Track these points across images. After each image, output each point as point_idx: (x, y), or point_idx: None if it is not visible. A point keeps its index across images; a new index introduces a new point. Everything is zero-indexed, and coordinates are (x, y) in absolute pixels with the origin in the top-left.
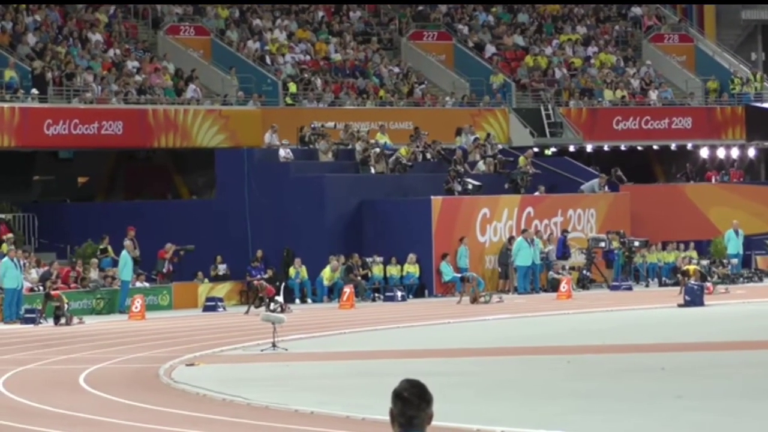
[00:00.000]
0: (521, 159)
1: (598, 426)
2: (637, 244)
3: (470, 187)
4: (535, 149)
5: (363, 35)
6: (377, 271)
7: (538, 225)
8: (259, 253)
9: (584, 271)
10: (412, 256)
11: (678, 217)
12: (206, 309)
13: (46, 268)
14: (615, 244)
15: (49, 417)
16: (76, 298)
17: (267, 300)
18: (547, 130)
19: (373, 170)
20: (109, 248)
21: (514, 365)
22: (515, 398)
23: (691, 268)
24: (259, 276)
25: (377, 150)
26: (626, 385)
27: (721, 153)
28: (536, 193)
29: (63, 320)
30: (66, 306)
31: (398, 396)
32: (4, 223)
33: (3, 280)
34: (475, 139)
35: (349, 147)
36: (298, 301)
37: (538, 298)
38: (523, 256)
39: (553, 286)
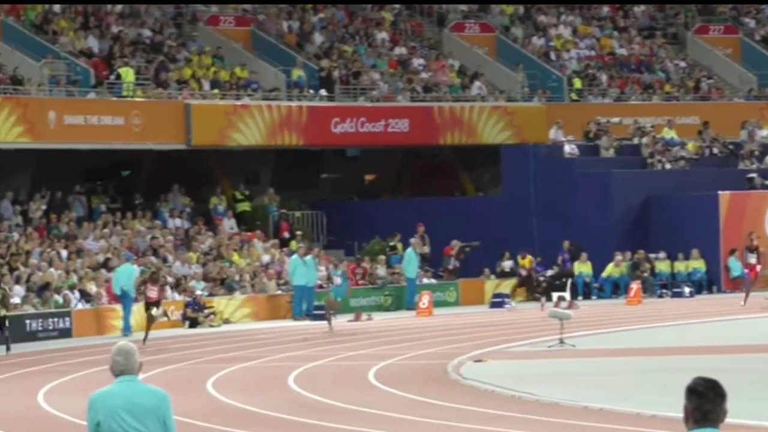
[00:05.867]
0: None
1: None
2: None
3: (756, 181)
4: None
5: (648, 30)
6: (664, 267)
7: None
8: (566, 244)
9: None
10: (695, 252)
11: None
12: (493, 305)
13: (333, 266)
14: None
15: (340, 413)
16: (364, 294)
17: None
18: None
19: (659, 166)
20: (399, 245)
21: None
22: None
23: None
24: (542, 271)
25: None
26: None
27: None
28: None
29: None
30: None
31: (693, 391)
32: (285, 219)
33: (292, 278)
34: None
35: (635, 142)
36: (582, 297)
37: None
38: None
39: None
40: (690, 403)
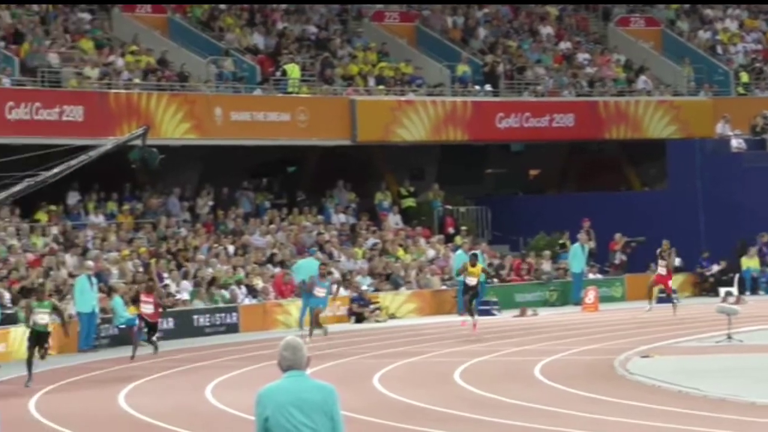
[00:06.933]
0: None
1: None
2: None
3: None
4: None
5: None
6: None
7: None
8: (765, 237)
9: None
10: None
11: None
12: (660, 301)
13: (498, 261)
14: None
15: (506, 408)
16: (530, 290)
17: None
18: None
19: None
20: (568, 242)
21: None
22: None
23: None
24: (708, 267)
25: None
26: None
27: None
28: None
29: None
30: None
31: None
32: (450, 215)
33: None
34: None
35: None
36: (750, 292)
37: None
38: None
39: None
40: None
